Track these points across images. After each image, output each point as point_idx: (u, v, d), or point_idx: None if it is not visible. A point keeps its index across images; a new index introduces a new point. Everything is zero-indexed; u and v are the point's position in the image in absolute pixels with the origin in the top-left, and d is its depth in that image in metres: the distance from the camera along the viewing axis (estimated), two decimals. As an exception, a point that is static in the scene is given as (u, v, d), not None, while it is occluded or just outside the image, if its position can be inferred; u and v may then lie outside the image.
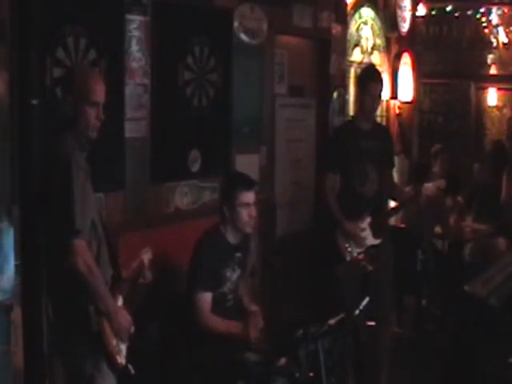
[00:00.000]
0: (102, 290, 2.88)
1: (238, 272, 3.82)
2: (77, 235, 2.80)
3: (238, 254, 3.83)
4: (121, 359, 2.98)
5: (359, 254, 4.45)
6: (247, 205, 3.74)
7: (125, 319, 2.99)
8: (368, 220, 4.66)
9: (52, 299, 2.86)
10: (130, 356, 3.06)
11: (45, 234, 2.66)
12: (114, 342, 2.95)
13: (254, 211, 3.76)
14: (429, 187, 4.86)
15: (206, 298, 3.64)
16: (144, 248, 3.27)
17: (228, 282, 3.77)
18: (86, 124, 2.95)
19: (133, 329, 3.06)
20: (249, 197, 3.75)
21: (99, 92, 2.98)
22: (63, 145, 2.90)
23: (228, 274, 3.76)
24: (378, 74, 4.85)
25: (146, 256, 3.24)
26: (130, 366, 3.03)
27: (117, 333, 2.94)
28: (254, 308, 3.85)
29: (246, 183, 3.81)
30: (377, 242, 4.67)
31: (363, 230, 4.64)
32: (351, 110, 6.84)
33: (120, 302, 3.06)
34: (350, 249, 4.55)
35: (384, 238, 4.72)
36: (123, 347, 3.02)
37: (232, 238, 3.80)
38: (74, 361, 2.94)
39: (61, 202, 2.80)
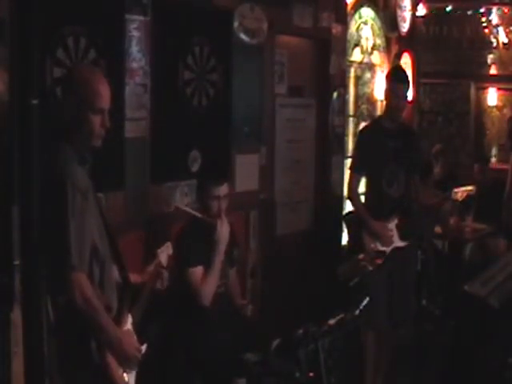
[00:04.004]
0: (104, 322, 2.66)
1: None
2: (73, 269, 2.59)
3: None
4: None
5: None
6: (217, 198, 3.87)
7: (131, 346, 2.78)
8: (395, 221, 4.63)
9: (54, 331, 2.67)
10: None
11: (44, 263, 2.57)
12: (120, 372, 2.76)
13: (224, 204, 3.90)
14: (459, 193, 4.89)
15: (198, 270, 3.77)
16: (152, 248, 3.18)
17: None
18: (90, 133, 2.70)
19: (143, 349, 2.88)
20: (219, 191, 3.89)
21: (105, 97, 2.71)
22: (59, 161, 2.66)
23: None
24: (405, 74, 4.83)
25: (165, 253, 3.12)
26: None
27: (123, 363, 2.76)
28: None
29: (216, 178, 3.98)
30: (403, 244, 4.63)
31: (390, 230, 4.62)
32: (351, 110, 6.85)
33: (129, 322, 2.87)
34: (375, 249, 4.53)
35: (411, 240, 4.68)
36: (131, 375, 2.85)
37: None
38: None
39: (55, 234, 2.57)
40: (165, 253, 3.13)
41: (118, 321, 2.80)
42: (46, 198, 2.48)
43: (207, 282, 3.76)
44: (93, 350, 2.70)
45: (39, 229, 2.45)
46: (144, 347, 2.91)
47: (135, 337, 2.86)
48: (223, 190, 3.92)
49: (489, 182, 6.66)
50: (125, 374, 2.81)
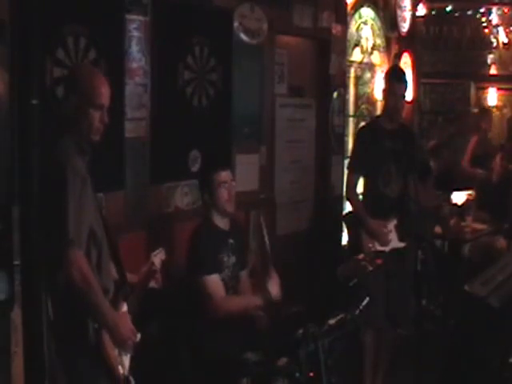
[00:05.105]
0: (100, 301, 2.75)
1: (233, 259, 3.89)
2: (71, 246, 2.67)
3: (231, 241, 3.90)
4: (123, 370, 2.88)
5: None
6: (224, 183, 3.82)
7: (127, 329, 2.87)
8: (394, 222, 4.62)
9: (51, 310, 2.76)
10: (133, 364, 2.98)
11: (43, 242, 2.61)
12: (115, 353, 2.84)
13: (232, 189, 3.85)
14: (459, 196, 4.92)
15: (215, 279, 3.70)
16: (153, 248, 3.20)
17: (226, 269, 3.84)
18: (89, 127, 2.82)
19: (138, 337, 2.95)
20: (224, 175, 3.84)
21: (105, 94, 2.85)
22: (60, 149, 2.79)
23: (225, 259, 3.84)
24: (403, 73, 4.81)
25: (158, 257, 3.14)
26: (130, 378, 2.93)
27: (118, 344, 2.84)
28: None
29: (219, 164, 3.94)
30: (401, 245, 4.63)
31: (389, 231, 4.61)
32: (351, 110, 6.85)
33: (124, 308, 2.95)
34: (373, 248, 4.52)
35: (409, 242, 4.67)
36: (126, 357, 2.92)
37: (221, 223, 3.88)
38: (74, 373, 2.84)
39: (54, 212, 2.69)
40: (158, 257, 3.18)
41: (114, 304, 2.87)
42: (47, 180, 2.64)
43: (233, 302, 3.73)
44: (90, 328, 2.76)
45: (39, 210, 2.49)
46: (139, 335, 2.96)
47: (130, 320, 2.92)
48: (228, 175, 3.86)
49: (494, 181, 6.68)
50: (120, 355, 2.88)
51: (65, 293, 2.73)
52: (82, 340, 2.77)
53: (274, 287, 3.79)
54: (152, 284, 3.17)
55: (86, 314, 2.76)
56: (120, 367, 2.87)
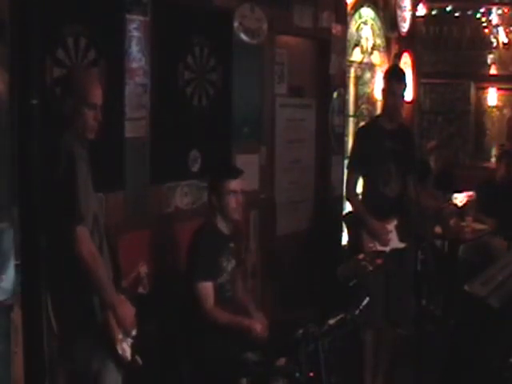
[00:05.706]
0: (106, 279, 2.90)
1: (232, 262, 3.91)
2: (81, 221, 2.82)
3: (231, 245, 3.93)
4: (127, 353, 3.00)
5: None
6: (234, 192, 3.84)
7: (129, 311, 3.00)
8: (395, 222, 4.63)
9: (55, 294, 2.86)
10: (134, 351, 3.07)
11: (46, 228, 2.65)
12: (120, 335, 2.96)
13: (240, 198, 3.87)
14: (459, 199, 4.93)
15: (208, 287, 3.71)
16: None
17: (225, 273, 3.85)
18: (84, 125, 2.99)
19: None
20: (236, 185, 3.86)
21: (97, 94, 3.02)
22: (65, 140, 2.93)
23: (224, 264, 3.85)
24: (402, 73, 4.82)
25: (143, 269, 3.28)
26: (137, 358, 3.05)
27: (121, 324, 2.95)
28: (257, 312, 3.92)
29: (233, 172, 3.95)
30: (402, 245, 4.63)
31: (390, 231, 4.62)
32: (351, 110, 6.85)
33: (122, 297, 3.05)
34: (374, 248, 4.52)
35: (409, 243, 4.66)
36: (128, 341, 3.03)
37: (223, 227, 3.89)
38: (80, 357, 2.95)
39: (64, 191, 2.82)
40: (143, 268, 3.35)
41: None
42: (56, 166, 2.79)
43: (220, 315, 3.70)
44: (96, 309, 2.88)
45: (47, 191, 2.54)
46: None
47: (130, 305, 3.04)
48: (239, 184, 3.88)
49: (497, 185, 6.69)
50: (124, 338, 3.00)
51: (71, 272, 2.85)
52: (89, 320, 2.89)
53: (257, 326, 3.74)
54: (140, 290, 3.27)
55: (93, 291, 2.88)
56: (124, 350, 2.98)
